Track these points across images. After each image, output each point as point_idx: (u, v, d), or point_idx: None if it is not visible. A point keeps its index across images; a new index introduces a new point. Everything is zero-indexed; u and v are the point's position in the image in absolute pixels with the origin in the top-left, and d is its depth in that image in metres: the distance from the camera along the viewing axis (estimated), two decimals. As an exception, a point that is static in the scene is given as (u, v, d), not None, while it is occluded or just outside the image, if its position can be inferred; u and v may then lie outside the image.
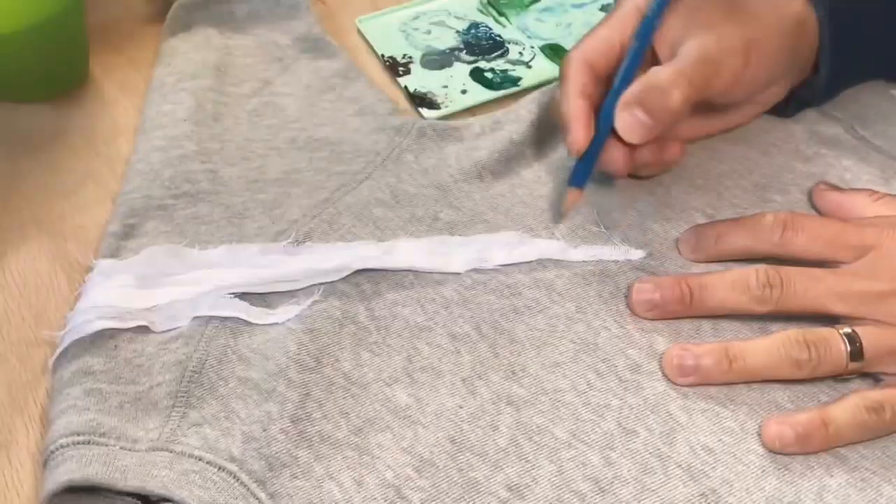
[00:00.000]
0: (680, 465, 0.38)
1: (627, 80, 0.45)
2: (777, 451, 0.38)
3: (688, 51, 0.44)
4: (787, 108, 0.52)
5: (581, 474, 0.37)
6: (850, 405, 0.38)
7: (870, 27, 0.49)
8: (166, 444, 0.38)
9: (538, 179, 0.50)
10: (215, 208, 0.48)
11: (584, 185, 0.46)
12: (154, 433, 0.39)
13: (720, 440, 0.39)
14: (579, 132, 0.45)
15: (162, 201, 0.48)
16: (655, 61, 0.46)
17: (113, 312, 0.42)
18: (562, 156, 0.50)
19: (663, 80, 0.43)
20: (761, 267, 0.42)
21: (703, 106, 0.46)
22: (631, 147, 0.45)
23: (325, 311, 0.43)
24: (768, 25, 0.46)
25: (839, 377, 0.40)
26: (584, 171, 0.46)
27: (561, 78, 0.47)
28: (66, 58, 0.57)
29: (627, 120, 0.43)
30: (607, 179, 0.48)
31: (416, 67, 0.60)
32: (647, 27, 0.46)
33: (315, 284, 0.44)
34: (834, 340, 0.40)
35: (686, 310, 0.43)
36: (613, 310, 0.43)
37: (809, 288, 0.41)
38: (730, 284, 0.42)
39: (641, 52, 0.46)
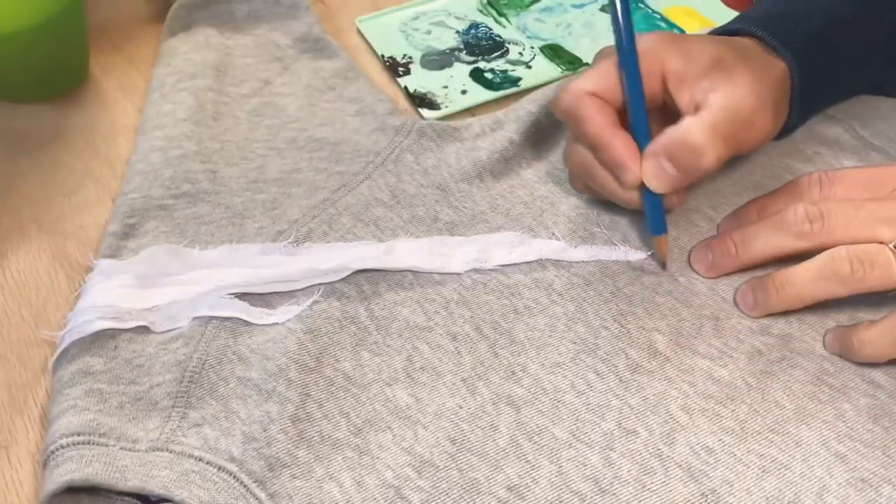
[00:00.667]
0: (680, 466, 0.38)
1: (640, 112, 0.43)
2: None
3: (720, 104, 0.42)
4: None
5: (581, 474, 0.37)
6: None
7: (828, 69, 0.49)
8: (166, 445, 0.38)
9: (538, 179, 0.50)
10: (215, 208, 0.48)
11: (666, 228, 0.45)
12: (154, 433, 0.39)
13: (720, 440, 0.39)
14: (636, 169, 0.43)
15: (162, 201, 0.49)
16: (671, 106, 0.44)
17: (113, 312, 0.42)
18: (561, 157, 0.50)
19: (698, 139, 0.41)
20: (800, 203, 0.42)
21: None
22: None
23: (325, 311, 0.43)
24: (774, 79, 0.45)
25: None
26: (658, 213, 0.44)
27: (576, 119, 0.44)
28: (66, 58, 0.57)
29: (655, 171, 0.42)
30: None
31: (416, 67, 0.60)
32: (627, 54, 0.43)
33: (315, 285, 0.44)
34: (882, 254, 0.40)
35: (735, 262, 0.44)
36: (613, 310, 0.43)
37: (851, 217, 0.41)
38: (770, 227, 0.43)
39: (636, 79, 0.43)
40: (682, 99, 0.44)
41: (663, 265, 0.45)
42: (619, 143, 0.43)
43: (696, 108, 0.43)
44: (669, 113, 0.44)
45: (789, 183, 0.45)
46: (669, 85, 0.44)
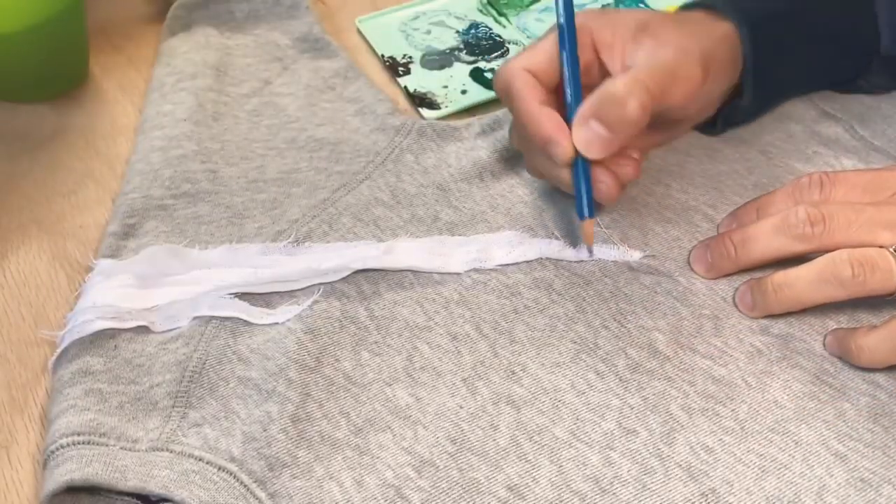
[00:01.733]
0: (680, 465, 0.38)
1: (576, 89, 0.43)
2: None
3: (644, 60, 0.43)
4: (715, 126, 0.51)
5: (581, 474, 0.37)
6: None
7: (787, 46, 0.48)
8: (166, 444, 0.38)
9: (538, 179, 0.50)
10: (215, 208, 0.48)
11: (594, 213, 0.44)
12: (154, 433, 0.39)
13: (720, 440, 0.39)
14: (564, 140, 0.42)
15: (162, 201, 0.49)
16: (605, 76, 0.44)
17: (113, 312, 0.42)
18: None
19: (619, 89, 0.41)
20: (801, 206, 0.42)
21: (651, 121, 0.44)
22: (612, 166, 0.44)
23: (325, 311, 0.43)
24: (715, 39, 0.45)
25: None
26: (588, 198, 0.44)
27: (508, 92, 0.44)
28: (66, 58, 0.57)
29: (585, 135, 0.42)
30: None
31: (415, 67, 0.60)
32: (566, 29, 0.44)
33: (315, 284, 0.44)
34: (883, 257, 0.40)
35: (733, 264, 0.44)
36: (613, 309, 0.43)
37: (852, 220, 0.41)
38: (770, 229, 0.42)
39: (573, 55, 0.44)
40: (615, 66, 0.45)
41: (589, 251, 0.45)
42: (545, 118, 0.43)
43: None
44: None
45: (789, 184, 0.45)
46: (602, 56, 0.45)
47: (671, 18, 0.46)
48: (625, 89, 0.41)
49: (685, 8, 0.50)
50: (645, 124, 0.42)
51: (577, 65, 0.44)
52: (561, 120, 0.43)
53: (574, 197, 0.45)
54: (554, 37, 0.45)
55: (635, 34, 0.44)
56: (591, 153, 0.42)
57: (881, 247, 0.40)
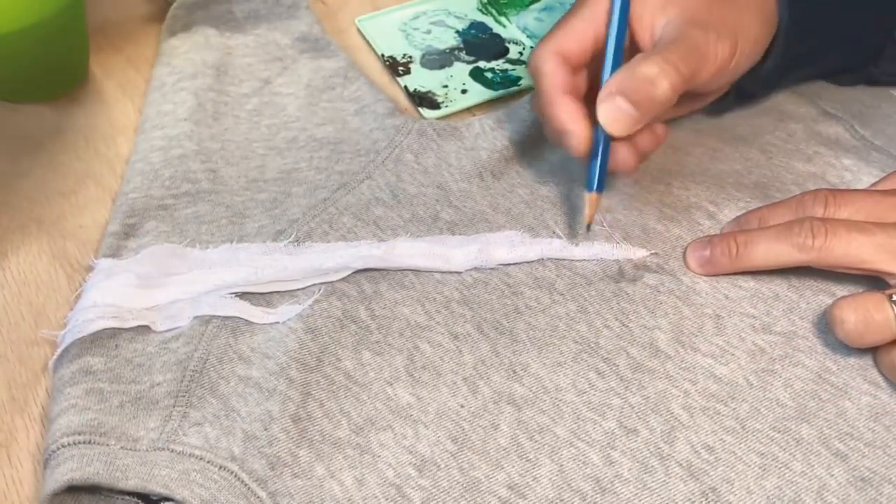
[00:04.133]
0: (681, 464, 0.38)
1: (615, 66, 0.43)
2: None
3: (675, 37, 0.42)
4: (726, 99, 0.50)
5: (582, 473, 0.37)
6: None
7: (824, 20, 0.48)
8: (167, 444, 0.38)
9: (539, 179, 0.50)
10: (216, 208, 0.48)
11: (604, 188, 0.44)
12: (155, 433, 0.39)
13: (721, 439, 0.39)
14: (580, 132, 0.43)
15: (162, 201, 0.49)
16: (633, 48, 0.45)
17: (113, 312, 0.42)
18: (562, 156, 0.50)
19: (651, 69, 0.41)
20: (807, 216, 0.42)
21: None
22: (634, 140, 0.44)
23: (326, 310, 0.43)
24: (751, 12, 0.45)
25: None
26: (600, 172, 0.44)
27: (536, 75, 0.44)
28: (66, 58, 0.57)
29: (610, 111, 0.41)
30: (609, 177, 0.48)
31: (416, 67, 0.60)
32: (623, 9, 0.44)
33: (316, 284, 0.44)
34: (881, 310, 0.39)
35: (732, 264, 0.43)
36: (615, 308, 0.43)
37: (855, 239, 0.40)
38: (773, 235, 0.42)
39: (622, 38, 0.44)
40: (644, 37, 0.44)
41: (588, 227, 0.45)
42: (563, 108, 0.43)
43: (653, 46, 0.43)
44: (636, 52, 0.44)
45: (793, 197, 0.45)
46: (633, 24, 0.44)
47: None
48: (657, 69, 0.41)
49: None
50: (673, 104, 0.42)
51: (622, 41, 0.44)
52: (579, 110, 0.43)
53: (585, 167, 0.44)
54: (584, 12, 0.44)
55: (664, 5, 0.44)
56: (614, 130, 0.42)
57: (880, 271, 0.40)
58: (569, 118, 0.43)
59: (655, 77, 0.41)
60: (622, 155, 0.44)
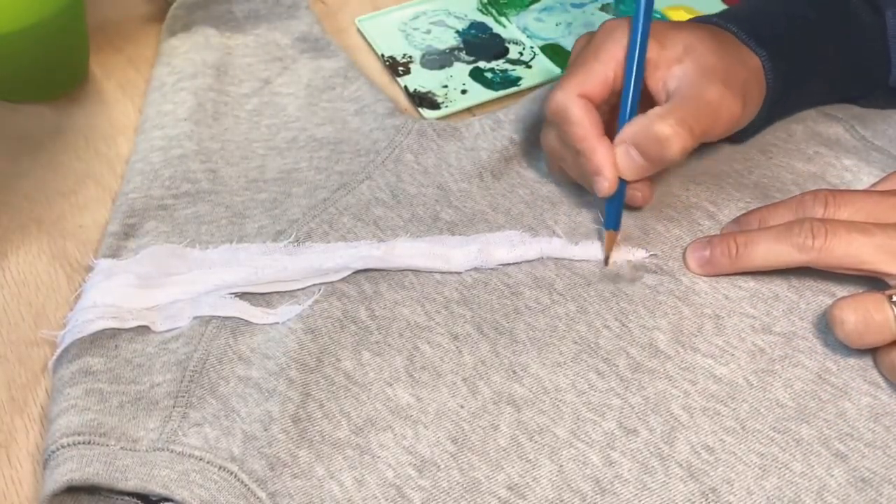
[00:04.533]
0: (680, 465, 0.38)
1: (633, 111, 0.44)
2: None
3: (691, 94, 0.43)
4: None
5: (582, 474, 0.37)
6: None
7: (801, 77, 0.49)
8: (167, 444, 0.38)
9: (538, 179, 0.50)
10: (215, 208, 0.48)
11: (619, 226, 0.46)
12: (154, 433, 0.39)
13: (721, 439, 0.39)
14: (612, 177, 0.44)
15: (162, 201, 0.49)
16: (647, 96, 0.45)
17: (113, 312, 0.42)
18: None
19: (665, 131, 0.42)
20: (807, 217, 0.42)
21: None
22: (645, 180, 0.45)
23: (326, 310, 0.43)
24: (750, 70, 0.46)
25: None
26: (617, 211, 0.45)
27: (564, 118, 0.44)
28: (66, 58, 0.57)
29: (623, 160, 0.43)
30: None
31: (415, 67, 0.60)
32: (642, 55, 0.44)
33: (315, 284, 0.44)
34: (881, 310, 0.39)
35: (732, 264, 0.44)
36: (615, 308, 0.43)
37: (855, 239, 0.41)
38: (773, 236, 0.43)
39: (640, 83, 0.44)
40: (656, 85, 0.45)
41: (606, 260, 0.46)
42: (602, 152, 0.44)
43: (667, 96, 0.44)
44: (648, 97, 0.45)
45: (793, 197, 0.45)
46: (648, 71, 0.45)
47: (717, 45, 0.45)
48: (669, 130, 0.42)
49: (702, 20, 0.49)
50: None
51: (639, 87, 0.45)
52: (613, 154, 0.44)
53: (596, 204, 0.46)
54: (602, 56, 0.45)
55: (681, 57, 0.44)
56: (626, 176, 0.44)
57: (879, 272, 0.40)
58: (606, 163, 0.44)
59: (668, 139, 0.42)
60: (641, 193, 0.46)
